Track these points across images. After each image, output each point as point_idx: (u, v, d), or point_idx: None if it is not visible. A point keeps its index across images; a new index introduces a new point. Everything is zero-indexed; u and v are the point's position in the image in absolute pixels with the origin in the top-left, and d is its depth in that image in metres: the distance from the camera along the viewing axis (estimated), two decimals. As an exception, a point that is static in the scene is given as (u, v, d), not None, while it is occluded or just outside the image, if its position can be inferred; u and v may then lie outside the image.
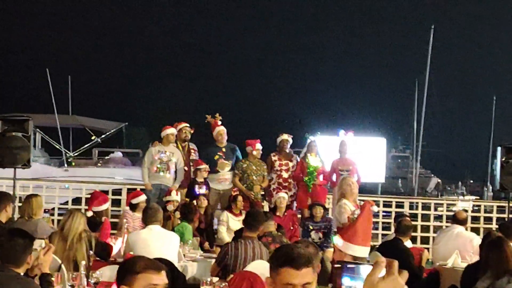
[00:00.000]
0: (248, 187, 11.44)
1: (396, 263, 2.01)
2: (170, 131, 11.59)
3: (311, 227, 10.46)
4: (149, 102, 68.10)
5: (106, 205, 9.36)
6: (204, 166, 11.35)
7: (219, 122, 11.79)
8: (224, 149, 11.65)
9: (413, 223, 11.38)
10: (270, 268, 3.13)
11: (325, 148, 12.29)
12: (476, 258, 7.76)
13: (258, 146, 11.64)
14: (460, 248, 8.63)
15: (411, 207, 14.50)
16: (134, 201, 10.01)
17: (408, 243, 8.76)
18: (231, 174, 11.64)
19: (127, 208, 10.18)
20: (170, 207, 10.21)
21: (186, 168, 11.62)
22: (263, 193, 11.71)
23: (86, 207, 10.12)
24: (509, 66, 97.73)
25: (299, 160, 11.70)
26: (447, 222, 14.43)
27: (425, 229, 13.91)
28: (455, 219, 9.32)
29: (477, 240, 8.68)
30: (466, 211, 14.66)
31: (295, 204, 11.63)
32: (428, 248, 10.72)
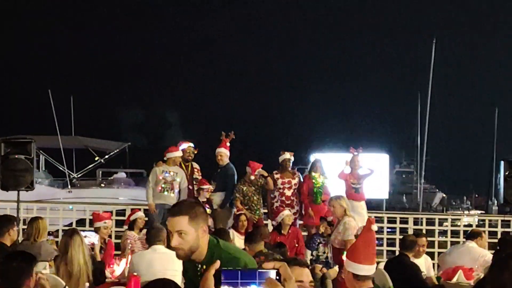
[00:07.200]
0: (250, 208, 11.47)
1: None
2: (178, 153, 11.63)
3: (318, 241, 10.50)
4: (152, 121, 68.13)
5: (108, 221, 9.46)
6: (207, 187, 11.40)
7: (228, 143, 11.79)
8: (219, 170, 11.73)
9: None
10: None
11: (329, 165, 12.37)
12: (481, 274, 7.71)
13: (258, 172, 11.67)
14: (467, 263, 8.57)
15: (415, 223, 14.41)
16: (132, 217, 10.07)
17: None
18: (217, 195, 11.62)
19: (126, 228, 10.15)
20: None
21: (190, 187, 11.65)
22: (265, 210, 11.72)
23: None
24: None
25: (302, 178, 11.76)
26: (452, 237, 14.35)
27: (430, 244, 13.83)
28: (470, 235, 9.25)
29: (489, 256, 8.58)
30: (471, 225, 14.59)
31: (298, 221, 11.61)
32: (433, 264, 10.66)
